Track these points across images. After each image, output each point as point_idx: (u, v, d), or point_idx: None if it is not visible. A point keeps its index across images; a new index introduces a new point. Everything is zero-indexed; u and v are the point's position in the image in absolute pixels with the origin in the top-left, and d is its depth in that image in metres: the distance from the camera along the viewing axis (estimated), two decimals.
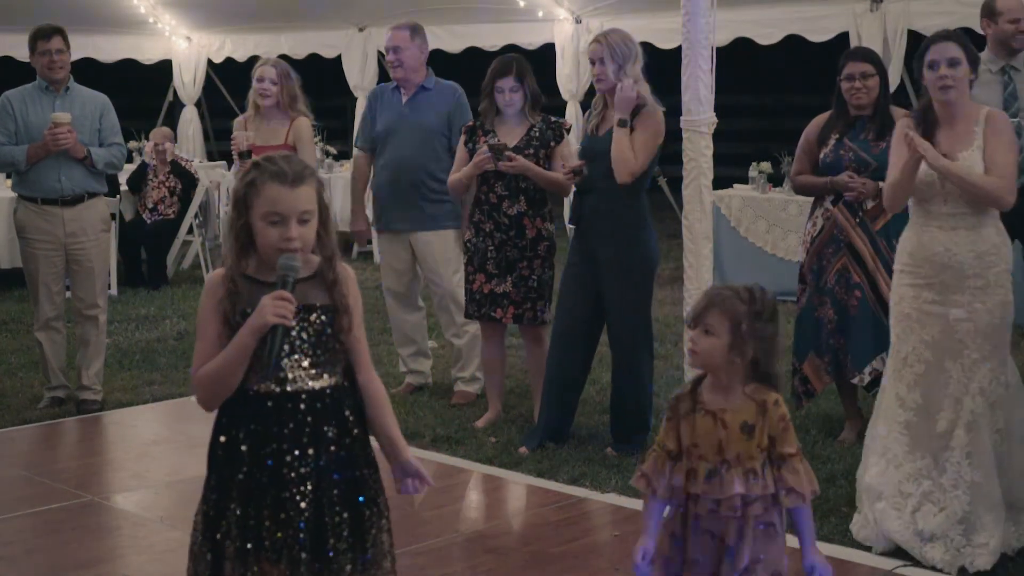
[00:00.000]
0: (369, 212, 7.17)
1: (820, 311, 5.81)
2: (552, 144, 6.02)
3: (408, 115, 6.62)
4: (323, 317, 2.97)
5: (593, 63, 5.73)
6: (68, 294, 6.91)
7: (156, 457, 5.97)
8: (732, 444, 3.10)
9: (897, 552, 4.54)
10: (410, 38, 6.66)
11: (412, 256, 6.77)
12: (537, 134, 6.02)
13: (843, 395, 6.00)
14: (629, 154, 5.60)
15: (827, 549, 4.60)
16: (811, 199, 6.02)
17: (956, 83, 4.52)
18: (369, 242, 7.01)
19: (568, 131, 6.12)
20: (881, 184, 5.57)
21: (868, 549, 4.60)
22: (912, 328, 4.63)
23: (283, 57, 13.61)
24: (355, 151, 7.04)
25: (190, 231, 10.94)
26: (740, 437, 3.09)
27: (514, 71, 5.98)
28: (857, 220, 5.70)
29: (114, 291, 9.68)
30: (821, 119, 5.88)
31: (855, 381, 5.79)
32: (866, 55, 5.92)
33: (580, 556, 4.68)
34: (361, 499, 2.99)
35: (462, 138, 6.17)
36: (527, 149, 5.98)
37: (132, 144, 11.11)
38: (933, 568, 4.44)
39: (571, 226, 6.06)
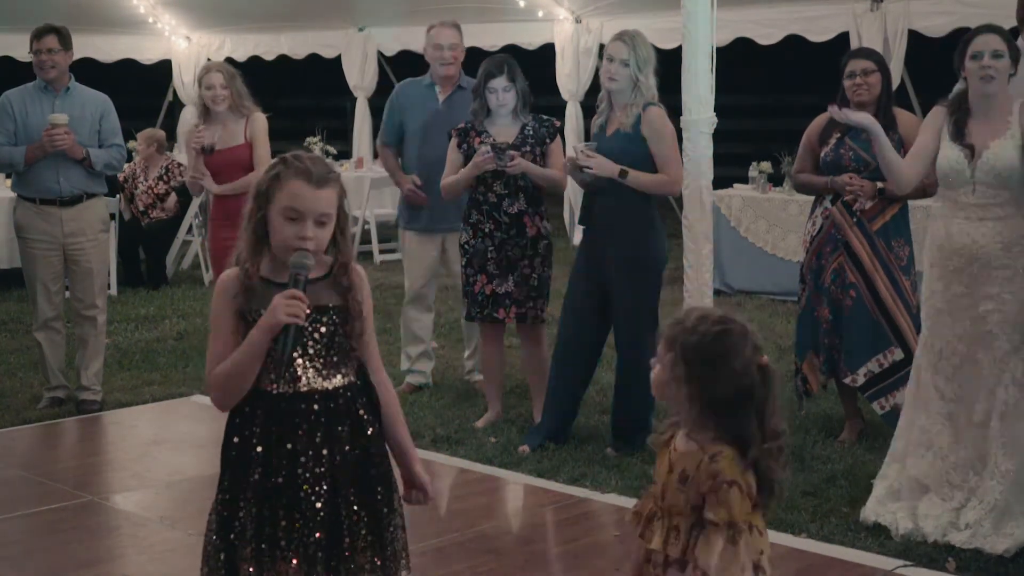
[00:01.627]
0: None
1: (818, 311, 5.81)
2: (548, 141, 6.03)
3: (444, 113, 6.59)
4: (336, 319, 2.96)
5: (612, 60, 5.70)
6: (67, 294, 6.91)
7: (156, 457, 5.96)
8: (669, 492, 2.66)
9: (910, 547, 4.55)
10: (461, 37, 6.70)
11: (440, 256, 6.76)
12: (531, 132, 6.02)
13: (843, 395, 6.00)
14: (661, 179, 5.64)
15: (827, 549, 4.63)
16: (811, 199, 6.02)
17: (998, 74, 4.60)
18: (417, 185, 6.74)
19: (560, 129, 6.13)
20: (880, 185, 5.59)
21: (868, 547, 4.60)
22: (944, 322, 4.70)
23: (283, 57, 13.74)
24: (379, 146, 7.00)
25: (189, 231, 10.94)
26: (677, 487, 2.64)
27: (506, 71, 5.98)
28: (855, 220, 5.70)
29: (114, 291, 9.68)
30: (823, 118, 5.87)
31: (848, 381, 5.79)
32: (868, 53, 5.96)
33: (580, 556, 4.68)
34: (379, 497, 2.99)
35: (454, 140, 6.14)
36: (523, 147, 5.97)
37: (132, 144, 11.07)
38: (947, 547, 4.52)
39: (580, 226, 6.06)
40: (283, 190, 2.90)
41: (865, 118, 4.83)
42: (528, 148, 5.98)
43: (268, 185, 2.92)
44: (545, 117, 6.11)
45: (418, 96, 6.79)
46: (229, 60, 14.18)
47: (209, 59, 14.48)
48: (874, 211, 5.70)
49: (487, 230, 6.05)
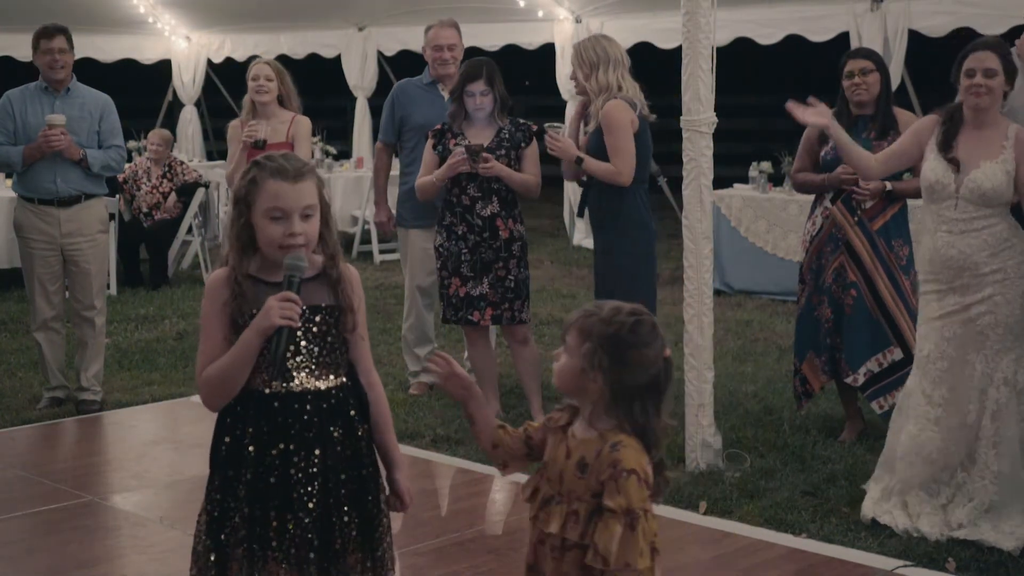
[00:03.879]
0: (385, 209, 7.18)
1: (819, 310, 5.81)
2: (522, 145, 6.05)
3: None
4: (328, 318, 2.96)
5: (574, 74, 5.89)
6: (67, 294, 6.90)
7: (156, 457, 5.96)
8: (568, 478, 2.71)
9: (910, 546, 4.55)
10: (460, 36, 6.74)
11: None
12: (507, 136, 6.04)
13: (843, 395, 5.99)
14: (608, 168, 5.73)
15: (827, 549, 4.63)
16: (811, 199, 6.02)
17: (989, 92, 4.61)
18: (394, 235, 7.01)
19: (536, 133, 6.14)
20: (888, 185, 5.59)
21: (868, 547, 4.60)
22: (934, 326, 4.72)
23: (283, 57, 13.72)
24: (378, 145, 7.02)
25: (190, 231, 10.93)
26: (575, 474, 2.69)
27: (484, 75, 6.00)
28: (855, 219, 5.70)
29: (113, 291, 9.68)
30: None
31: (849, 381, 5.78)
32: (867, 53, 5.97)
33: None
34: (369, 497, 3.00)
35: (429, 141, 6.17)
36: (498, 151, 6.00)
37: (131, 144, 11.08)
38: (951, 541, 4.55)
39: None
40: (262, 192, 2.89)
41: (820, 118, 4.85)
42: (503, 152, 6.00)
43: (246, 190, 2.92)
44: (522, 121, 6.14)
45: (420, 95, 6.79)
46: (229, 60, 14.23)
47: (209, 59, 14.52)
48: (875, 211, 5.69)
49: (460, 232, 6.06)
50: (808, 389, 5.92)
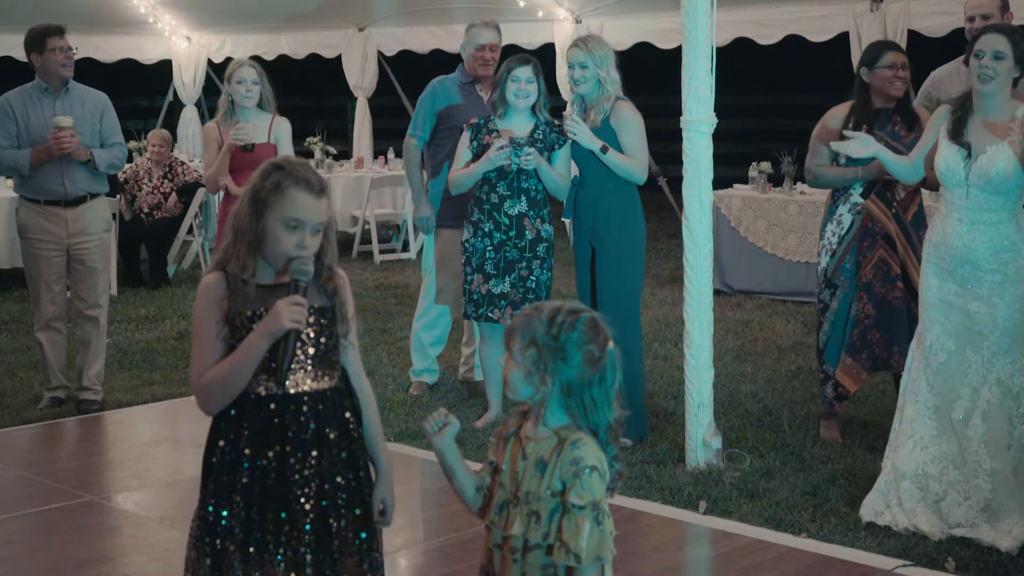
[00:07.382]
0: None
1: (854, 308, 5.65)
2: (555, 147, 6.04)
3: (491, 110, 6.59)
4: (322, 319, 2.97)
5: (573, 66, 5.88)
6: (68, 294, 6.90)
7: (156, 457, 5.97)
8: (526, 479, 2.74)
9: (910, 546, 4.55)
10: (500, 37, 6.77)
11: None
12: (541, 136, 6.04)
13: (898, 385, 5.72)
14: (632, 162, 5.80)
15: (827, 549, 4.63)
16: (810, 200, 5.97)
17: (996, 75, 4.60)
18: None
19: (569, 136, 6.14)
20: None
21: (868, 547, 4.60)
22: (936, 318, 4.74)
23: (283, 57, 13.73)
24: (410, 140, 6.85)
25: (190, 231, 10.94)
26: (533, 474, 2.73)
27: (532, 64, 6.03)
28: (892, 211, 5.62)
29: (114, 291, 9.68)
30: (839, 110, 5.71)
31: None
32: (899, 47, 5.83)
33: None
34: (365, 499, 3.00)
35: (465, 134, 6.15)
36: (534, 148, 6.00)
37: (132, 144, 11.07)
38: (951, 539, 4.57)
39: (565, 220, 6.12)
40: (285, 200, 2.89)
41: (868, 148, 4.81)
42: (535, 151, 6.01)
43: (268, 193, 2.90)
44: (557, 122, 6.12)
45: (462, 93, 6.76)
46: (229, 60, 14.22)
47: (210, 59, 14.52)
48: (906, 201, 5.64)
49: (487, 230, 6.06)
50: (842, 392, 5.73)
